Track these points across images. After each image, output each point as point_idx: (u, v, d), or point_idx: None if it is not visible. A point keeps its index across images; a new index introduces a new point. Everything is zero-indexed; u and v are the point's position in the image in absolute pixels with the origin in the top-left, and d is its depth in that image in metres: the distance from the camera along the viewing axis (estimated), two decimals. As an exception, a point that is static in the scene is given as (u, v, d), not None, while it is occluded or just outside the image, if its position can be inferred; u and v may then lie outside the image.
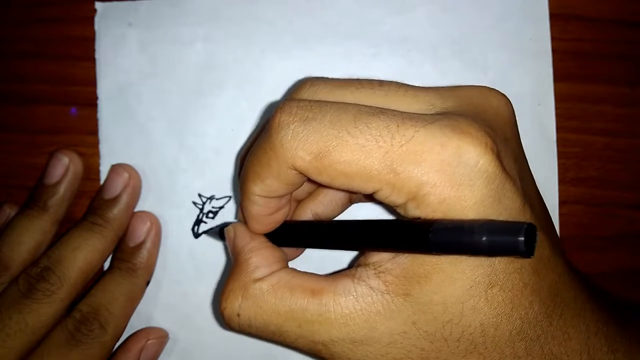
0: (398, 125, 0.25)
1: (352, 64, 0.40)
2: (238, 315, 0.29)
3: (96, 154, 0.41)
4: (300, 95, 0.30)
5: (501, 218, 0.24)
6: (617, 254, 0.40)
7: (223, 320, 0.30)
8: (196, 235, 0.41)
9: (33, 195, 0.39)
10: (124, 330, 0.38)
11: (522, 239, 0.21)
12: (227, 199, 0.41)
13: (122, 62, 0.41)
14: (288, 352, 0.40)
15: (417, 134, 0.25)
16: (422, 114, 0.26)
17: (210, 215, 0.41)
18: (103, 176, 0.41)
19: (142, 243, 0.39)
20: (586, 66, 0.39)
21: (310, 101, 0.27)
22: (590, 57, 0.40)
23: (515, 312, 0.25)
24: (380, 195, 0.26)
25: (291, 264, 0.32)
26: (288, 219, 0.33)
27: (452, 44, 0.39)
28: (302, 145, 0.26)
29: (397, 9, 0.40)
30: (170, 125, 0.41)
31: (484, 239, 0.22)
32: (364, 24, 0.40)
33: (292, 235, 0.32)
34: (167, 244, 0.41)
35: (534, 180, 0.29)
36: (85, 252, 0.37)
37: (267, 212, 0.30)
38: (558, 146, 0.39)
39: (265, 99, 0.40)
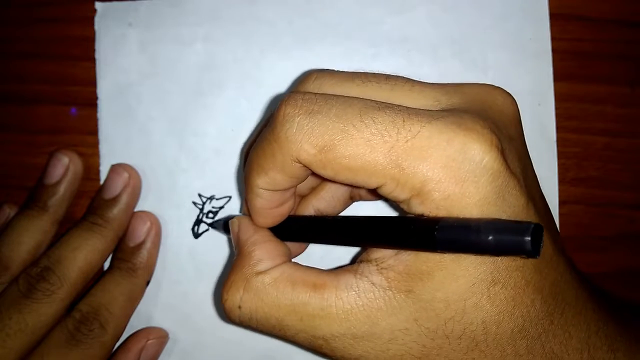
0: (404, 120, 0.25)
1: (352, 64, 0.40)
2: (239, 307, 0.29)
3: (96, 154, 0.41)
4: (306, 88, 0.29)
5: (505, 216, 0.24)
6: (617, 254, 0.40)
7: (224, 312, 0.30)
8: (196, 235, 0.41)
9: (33, 195, 0.39)
10: (124, 330, 0.38)
11: (529, 238, 0.21)
12: (227, 199, 0.41)
13: (122, 62, 0.41)
14: (288, 352, 0.40)
15: (423, 130, 0.25)
16: (428, 110, 0.26)
17: (210, 215, 0.41)
18: (103, 176, 0.41)
19: (142, 243, 0.39)
20: (586, 66, 0.40)
21: (315, 94, 0.27)
22: (590, 57, 0.40)
23: (517, 310, 0.25)
24: (384, 191, 0.26)
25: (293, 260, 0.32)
26: (292, 213, 0.32)
27: (452, 44, 0.39)
28: (307, 138, 0.26)
29: (397, 8, 0.40)
30: (170, 125, 0.41)
31: (490, 238, 0.22)
32: (364, 24, 0.40)
33: (297, 229, 0.32)
34: (167, 244, 0.41)
35: (537, 179, 0.29)
36: (85, 252, 0.37)
37: (271, 205, 0.30)
38: (558, 146, 0.39)
39: (265, 99, 0.40)
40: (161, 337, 0.40)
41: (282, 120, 0.26)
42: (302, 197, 0.35)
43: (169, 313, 0.41)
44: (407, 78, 0.29)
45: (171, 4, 0.41)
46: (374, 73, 0.29)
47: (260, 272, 0.29)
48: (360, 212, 0.38)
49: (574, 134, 0.40)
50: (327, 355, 0.28)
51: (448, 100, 0.28)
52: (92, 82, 0.41)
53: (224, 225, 0.35)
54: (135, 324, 0.40)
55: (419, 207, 0.25)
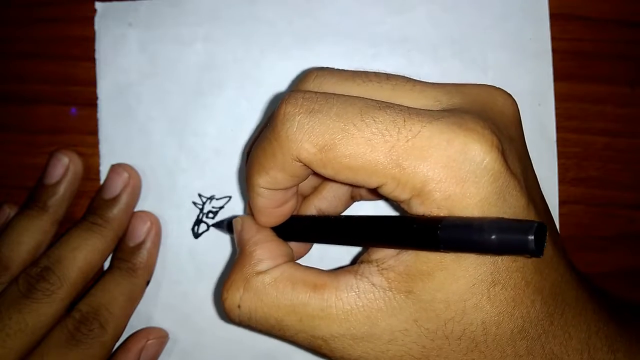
0: (405, 120, 0.25)
1: (352, 64, 0.40)
2: (239, 306, 0.29)
3: (96, 154, 0.41)
4: (306, 87, 0.29)
5: (505, 217, 0.24)
6: (617, 254, 0.40)
7: (223, 311, 0.29)
8: (196, 235, 0.41)
9: (33, 195, 0.39)
10: (123, 330, 0.38)
11: (532, 238, 0.21)
12: (227, 199, 0.41)
13: (122, 62, 0.41)
14: (289, 353, 0.40)
15: (424, 130, 0.25)
16: (429, 110, 0.26)
17: (210, 215, 0.41)
18: (103, 176, 0.41)
19: (142, 243, 0.39)
20: (586, 66, 0.39)
21: (316, 93, 0.27)
22: (590, 57, 0.40)
23: (517, 311, 0.25)
24: (384, 190, 0.26)
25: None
26: (294, 213, 0.32)
27: (452, 44, 0.39)
28: (308, 137, 0.26)
29: (397, 8, 0.40)
30: (170, 125, 0.41)
31: (493, 237, 0.22)
32: (364, 23, 0.40)
33: (300, 229, 0.32)
34: (167, 244, 0.41)
35: (537, 180, 0.29)
36: (85, 252, 0.37)
37: (272, 204, 0.30)
38: (558, 146, 0.39)
39: (265, 99, 0.40)
40: (161, 337, 0.40)
41: (282, 119, 0.26)
42: (304, 198, 0.35)
43: (169, 313, 0.41)
44: (407, 77, 0.29)
45: (171, 4, 0.41)
46: (374, 72, 0.29)
47: (261, 272, 0.29)
48: (360, 212, 0.38)
49: (574, 134, 0.40)
50: (326, 356, 0.28)
51: (448, 100, 0.27)
52: (92, 82, 0.41)
53: (227, 225, 0.35)
54: (135, 324, 0.40)
55: (419, 207, 0.25)
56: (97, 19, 0.41)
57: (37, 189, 0.39)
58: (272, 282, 0.28)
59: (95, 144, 0.41)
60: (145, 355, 0.39)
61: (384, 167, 0.25)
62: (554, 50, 0.39)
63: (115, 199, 0.39)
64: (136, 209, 0.40)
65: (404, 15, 0.40)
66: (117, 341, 0.38)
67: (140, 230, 0.39)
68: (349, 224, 0.30)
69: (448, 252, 0.25)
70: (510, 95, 0.29)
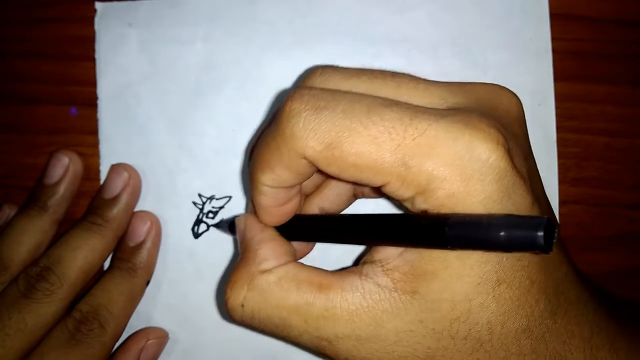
0: (411, 118, 0.25)
1: (352, 63, 0.39)
2: (242, 306, 0.28)
3: (96, 154, 0.41)
4: (311, 84, 0.29)
5: None
6: (617, 254, 0.40)
7: (226, 310, 0.29)
8: (196, 235, 0.41)
9: (33, 195, 0.39)
10: (123, 330, 0.38)
11: (542, 233, 0.21)
12: (227, 199, 0.41)
13: (122, 62, 0.41)
14: (289, 353, 0.40)
15: (430, 128, 0.24)
16: (434, 108, 0.26)
17: (210, 215, 0.41)
18: (103, 176, 0.41)
19: (142, 243, 0.39)
20: (586, 66, 0.40)
21: (322, 89, 0.27)
22: (591, 57, 0.40)
23: (522, 310, 0.25)
24: (388, 189, 0.26)
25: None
26: (297, 212, 0.32)
27: (452, 43, 0.40)
28: (313, 134, 0.25)
29: (397, 8, 0.40)
30: (170, 125, 0.41)
31: (501, 233, 0.21)
32: (364, 23, 0.40)
33: (304, 228, 0.32)
34: (167, 244, 0.41)
35: (541, 179, 0.29)
36: (85, 252, 0.37)
37: (276, 203, 0.30)
38: (558, 146, 0.39)
39: (265, 99, 0.40)
40: (161, 337, 0.40)
41: (288, 115, 0.26)
42: (306, 196, 0.35)
43: (169, 313, 0.41)
44: (413, 75, 0.29)
45: (171, 4, 0.41)
46: (379, 70, 0.29)
47: (265, 271, 0.28)
48: (361, 210, 0.38)
49: (574, 134, 0.40)
50: (330, 357, 0.28)
51: (454, 99, 0.27)
52: (92, 82, 0.41)
53: (229, 225, 0.35)
54: (135, 324, 0.40)
55: (422, 205, 0.25)
56: (97, 19, 0.41)
57: (37, 189, 0.39)
58: (276, 281, 0.28)
59: (95, 144, 0.41)
60: (145, 355, 0.39)
61: (390, 166, 0.25)
62: (554, 50, 0.39)
63: (115, 199, 0.39)
64: (136, 209, 0.40)
65: (404, 15, 0.40)
66: (117, 341, 0.38)
67: (141, 230, 0.39)
68: (355, 222, 0.29)
69: (455, 250, 0.24)
70: (515, 95, 0.29)
